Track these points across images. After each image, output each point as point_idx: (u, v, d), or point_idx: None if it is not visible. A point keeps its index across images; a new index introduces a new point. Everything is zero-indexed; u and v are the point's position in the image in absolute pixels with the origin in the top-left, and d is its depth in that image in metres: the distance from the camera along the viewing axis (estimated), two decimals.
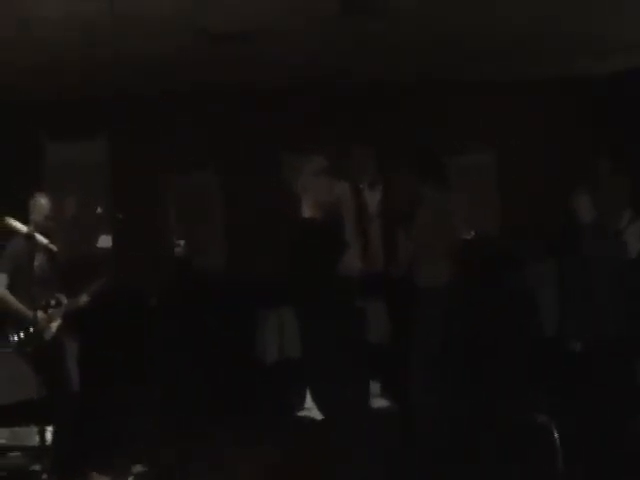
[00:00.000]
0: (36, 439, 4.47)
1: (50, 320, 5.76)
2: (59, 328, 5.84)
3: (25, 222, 5.34)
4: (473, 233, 9.86)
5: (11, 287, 5.76)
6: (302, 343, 4.77)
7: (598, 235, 5.94)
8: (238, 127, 9.76)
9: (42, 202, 5.84)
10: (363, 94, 9.83)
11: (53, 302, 5.82)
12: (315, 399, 4.72)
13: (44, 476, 4.28)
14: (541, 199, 9.67)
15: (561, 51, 8.94)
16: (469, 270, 6.79)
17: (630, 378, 5.80)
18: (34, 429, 4.56)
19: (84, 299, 5.95)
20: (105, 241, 9.44)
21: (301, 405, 7.36)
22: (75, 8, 6.02)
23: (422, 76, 9.52)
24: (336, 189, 4.53)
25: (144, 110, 9.43)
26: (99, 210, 6.15)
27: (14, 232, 5.19)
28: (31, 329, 5.62)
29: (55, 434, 4.50)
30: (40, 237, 4.83)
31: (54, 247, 5.20)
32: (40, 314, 5.42)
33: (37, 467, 4.36)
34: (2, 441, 4.63)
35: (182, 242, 8.68)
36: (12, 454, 4.56)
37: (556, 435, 4.79)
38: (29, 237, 4.67)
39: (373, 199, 4.64)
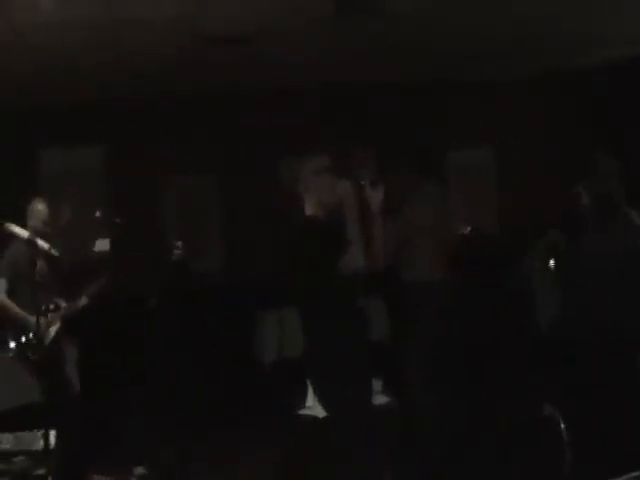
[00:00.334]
0: (40, 443, 4.46)
1: (49, 324, 5.75)
2: (58, 332, 5.83)
3: (23, 228, 5.32)
4: (469, 229, 9.85)
5: (10, 292, 5.76)
6: (303, 343, 4.76)
7: (599, 229, 5.93)
8: (238, 128, 9.78)
9: (39, 207, 5.83)
10: (362, 94, 9.84)
11: (52, 306, 5.82)
12: (319, 399, 4.70)
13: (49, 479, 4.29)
14: (540, 195, 9.69)
15: (561, 50, 8.97)
16: (465, 267, 6.80)
17: (633, 371, 5.79)
18: (38, 433, 4.55)
19: (83, 302, 5.95)
20: (103, 244, 9.42)
21: (302, 404, 7.36)
22: (74, 12, 6.01)
23: (421, 76, 9.54)
24: (339, 188, 4.52)
25: (143, 111, 9.44)
26: (97, 214, 6.14)
27: (13, 237, 5.17)
28: (31, 334, 5.62)
29: (58, 437, 4.51)
30: (41, 242, 4.81)
31: (55, 252, 5.19)
32: (39, 319, 5.40)
33: (42, 471, 4.37)
34: (7, 446, 4.63)
35: (180, 243, 8.64)
36: (16, 459, 4.56)
37: (563, 426, 4.79)
38: (30, 242, 4.65)
39: (375, 198, 4.63)
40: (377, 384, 6.27)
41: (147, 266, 8.65)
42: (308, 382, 4.95)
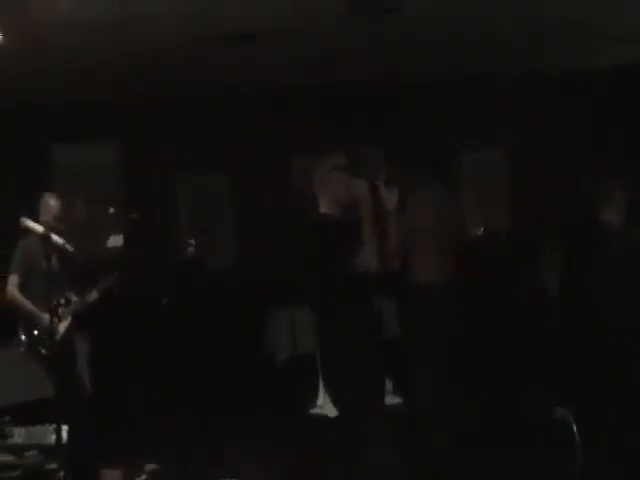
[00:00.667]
0: (52, 437, 4.46)
1: (60, 319, 5.76)
2: (69, 327, 5.84)
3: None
4: (482, 230, 9.85)
5: (23, 287, 5.77)
6: (316, 342, 4.74)
7: (608, 231, 5.90)
8: (251, 127, 9.79)
9: (51, 203, 5.83)
10: (367, 94, 9.83)
11: (63, 301, 5.82)
12: (330, 398, 4.69)
13: (60, 474, 4.28)
14: (547, 196, 9.68)
15: (560, 49, 8.94)
16: (478, 267, 6.77)
17: None
18: (50, 427, 4.55)
19: (94, 296, 5.95)
20: (116, 240, 9.47)
21: (313, 403, 7.36)
22: (83, 11, 6.06)
23: (423, 76, 9.53)
24: (354, 187, 4.50)
25: (157, 111, 9.48)
26: (111, 210, 6.14)
27: (27, 233, 5.18)
28: (42, 329, 5.63)
29: (69, 432, 4.50)
30: (56, 237, 4.81)
31: (70, 247, 5.19)
32: (51, 314, 5.41)
33: (53, 465, 4.37)
34: (18, 440, 4.63)
35: (193, 241, 8.67)
36: (28, 453, 4.56)
37: (575, 429, 4.77)
38: (45, 237, 4.65)
39: (390, 198, 4.61)
40: (389, 384, 6.28)
41: (160, 263, 8.69)
42: (320, 381, 4.94)
